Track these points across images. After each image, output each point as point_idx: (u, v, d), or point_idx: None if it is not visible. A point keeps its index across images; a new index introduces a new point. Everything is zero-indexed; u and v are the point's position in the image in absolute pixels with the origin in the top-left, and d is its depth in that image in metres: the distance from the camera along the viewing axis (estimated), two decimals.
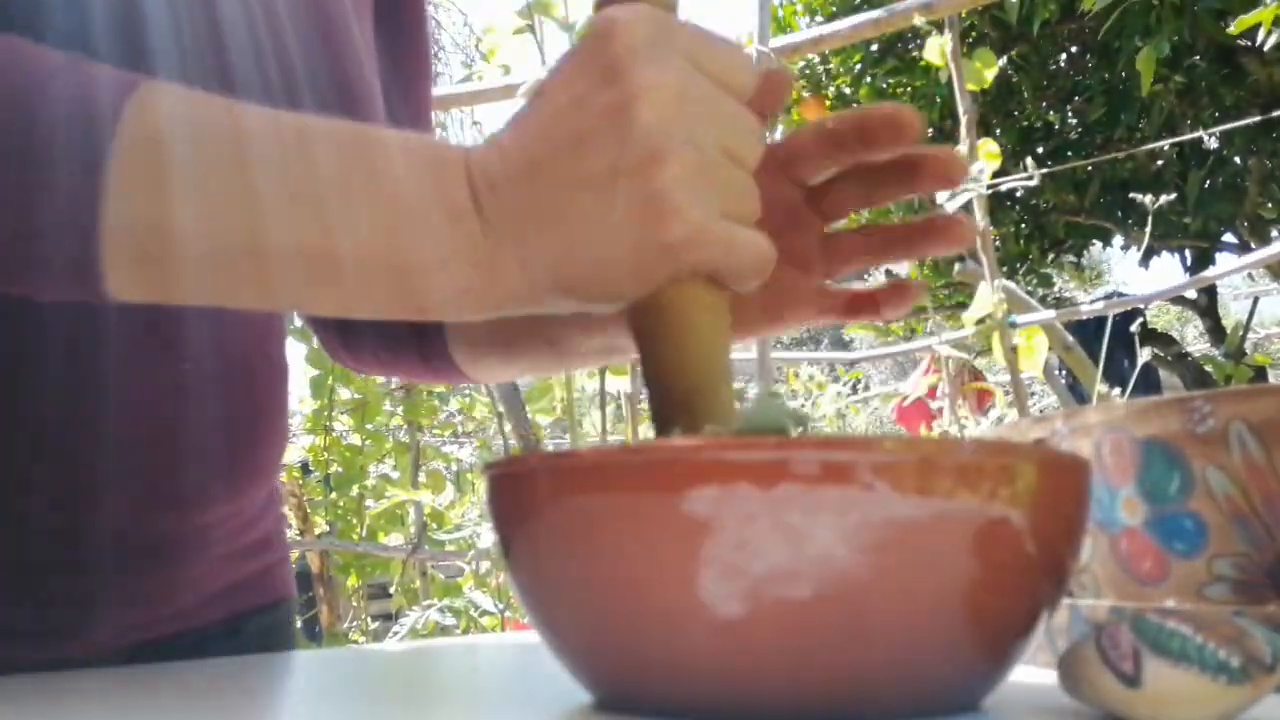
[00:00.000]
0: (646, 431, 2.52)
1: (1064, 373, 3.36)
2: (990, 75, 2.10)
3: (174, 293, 0.41)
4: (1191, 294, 6.54)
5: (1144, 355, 2.33)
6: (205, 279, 0.40)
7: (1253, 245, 6.09)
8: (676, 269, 0.40)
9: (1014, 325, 2.09)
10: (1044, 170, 2.62)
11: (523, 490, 0.35)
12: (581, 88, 0.40)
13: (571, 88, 0.40)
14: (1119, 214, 6.39)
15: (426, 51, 0.73)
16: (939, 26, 2.04)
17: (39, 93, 0.38)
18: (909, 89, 6.24)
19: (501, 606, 2.39)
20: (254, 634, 0.66)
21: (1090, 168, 5.95)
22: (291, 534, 2.95)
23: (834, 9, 6.08)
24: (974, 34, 5.80)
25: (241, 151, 0.39)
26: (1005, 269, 5.76)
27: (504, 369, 0.67)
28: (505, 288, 0.41)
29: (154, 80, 0.40)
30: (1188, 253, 6.60)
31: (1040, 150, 6.21)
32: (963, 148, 2.03)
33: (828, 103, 6.27)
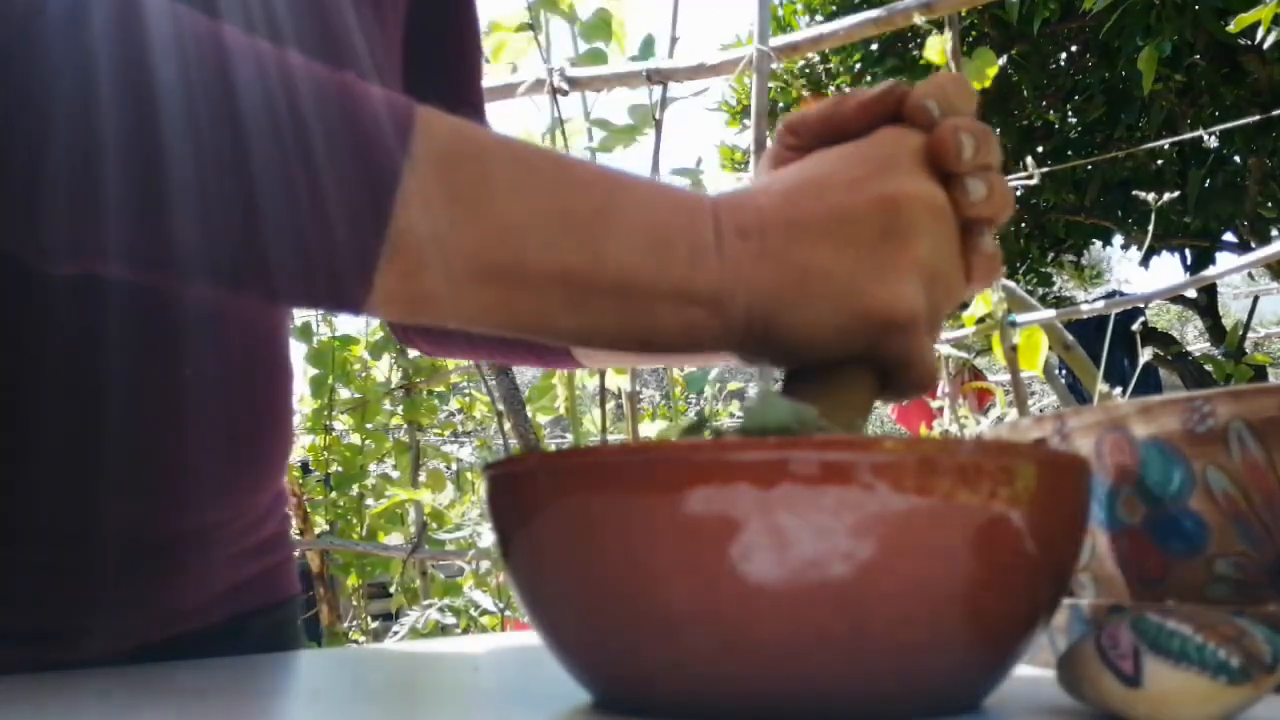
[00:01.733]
0: (646, 430, 2.52)
1: (1064, 373, 3.36)
2: (990, 75, 2.10)
3: (432, 310, 0.42)
4: (1191, 293, 6.54)
5: (1144, 355, 2.33)
6: (467, 297, 0.41)
7: (1253, 244, 6.09)
8: (870, 345, 0.43)
9: (1014, 325, 2.09)
10: (1044, 170, 2.61)
11: (523, 490, 0.35)
12: (861, 173, 0.44)
13: (849, 168, 0.45)
14: (1119, 213, 6.40)
15: (471, 39, 0.73)
16: (939, 26, 2.04)
17: (353, 92, 0.40)
18: None
19: (501, 606, 2.39)
20: (259, 634, 0.66)
21: (1090, 167, 5.95)
22: (291, 533, 2.95)
23: (834, 8, 6.08)
24: (974, 33, 5.80)
25: (522, 182, 0.41)
26: (1005, 268, 5.75)
27: (609, 359, 0.70)
28: (726, 330, 0.43)
29: (423, 107, 0.41)
30: (1188, 252, 6.60)
31: (1040, 150, 6.21)
32: None
33: None
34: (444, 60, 0.71)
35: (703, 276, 0.42)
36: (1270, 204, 6.27)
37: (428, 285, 0.40)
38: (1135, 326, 2.41)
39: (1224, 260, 6.14)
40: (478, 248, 0.40)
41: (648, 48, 2.11)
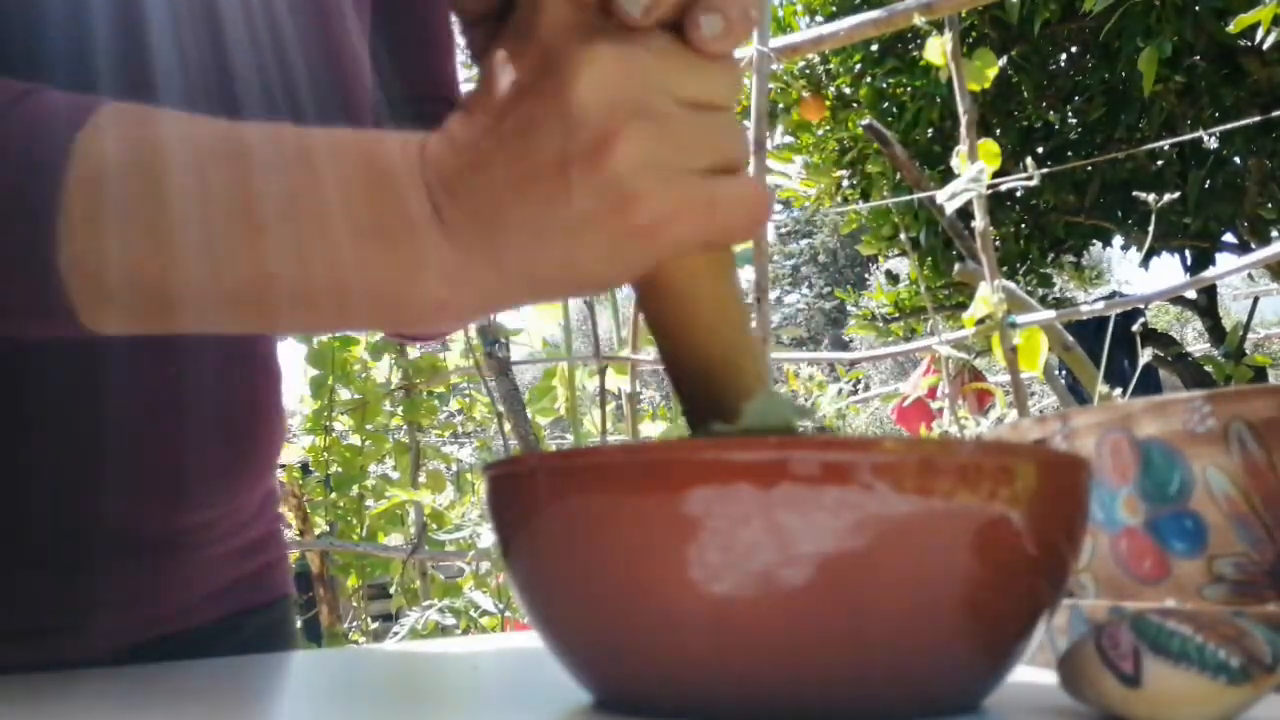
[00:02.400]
0: (646, 430, 2.52)
1: (1064, 373, 3.36)
2: (990, 75, 2.10)
3: (156, 325, 0.40)
4: (1191, 294, 6.54)
5: (1144, 355, 2.33)
6: (180, 314, 0.39)
7: (1253, 245, 6.09)
8: (657, 252, 0.37)
9: (1014, 325, 2.09)
10: (1044, 170, 2.62)
11: (523, 490, 0.35)
12: (522, 72, 0.37)
13: (512, 71, 0.37)
14: (1119, 214, 6.39)
15: (443, 23, 0.71)
16: (939, 26, 2.04)
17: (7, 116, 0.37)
18: (909, 89, 6.23)
19: (501, 606, 2.39)
20: (254, 633, 0.66)
21: (1090, 168, 5.95)
22: (291, 534, 2.95)
23: (834, 9, 6.08)
24: (974, 34, 5.80)
25: (171, 182, 0.38)
26: (1005, 269, 5.76)
27: None
28: (480, 295, 0.39)
29: (109, 105, 0.38)
30: (1188, 253, 6.60)
31: (1040, 150, 6.21)
32: (963, 148, 2.03)
33: (828, 103, 6.28)
34: (414, 40, 0.68)
35: (432, 254, 0.38)
36: (1270, 205, 6.27)
37: (131, 310, 0.39)
38: (1135, 327, 2.41)
39: (1224, 261, 6.13)
40: (162, 267, 0.37)
41: None
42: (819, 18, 6.20)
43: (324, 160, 0.39)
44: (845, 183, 6.75)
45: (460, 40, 0.44)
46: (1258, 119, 4.68)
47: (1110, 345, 2.24)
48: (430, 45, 0.70)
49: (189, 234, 0.38)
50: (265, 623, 0.68)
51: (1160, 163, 6.17)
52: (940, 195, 2.00)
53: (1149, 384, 5.47)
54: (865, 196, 6.56)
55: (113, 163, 0.38)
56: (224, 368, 0.61)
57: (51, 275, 0.37)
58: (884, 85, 6.34)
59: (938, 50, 2.05)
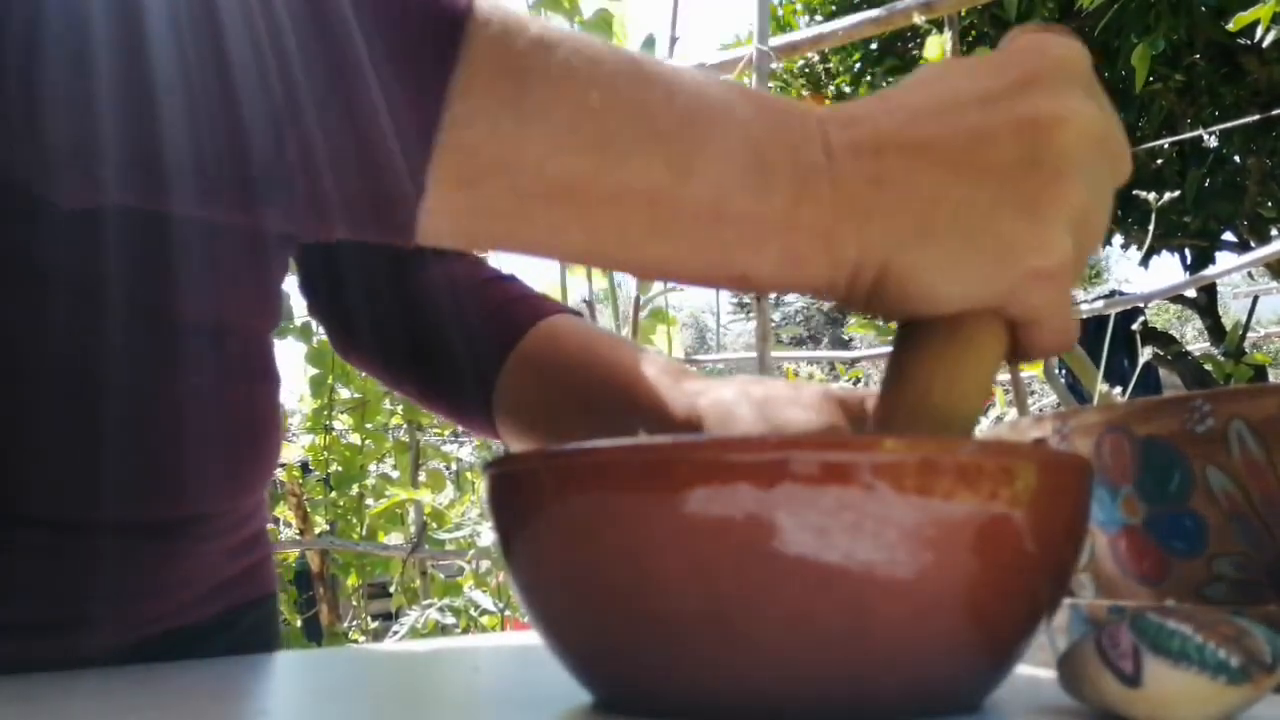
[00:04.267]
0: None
1: (1064, 373, 3.36)
2: None
3: (496, 229, 0.36)
4: (1191, 293, 6.54)
5: (1144, 354, 2.33)
6: (536, 213, 0.36)
7: (1253, 244, 6.10)
8: (1008, 297, 0.37)
9: None
10: None
11: (523, 490, 0.35)
12: (995, 87, 0.37)
13: (980, 83, 0.37)
14: (1119, 212, 6.40)
15: None
16: (938, 25, 2.04)
17: None
18: None
19: (501, 606, 2.39)
20: (247, 628, 0.67)
21: None
22: (291, 534, 2.95)
23: (833, 8, 6.08)
24: (974, 33, 5.80)
25: (595, 74, 0.35)
26: None
27: (534, 436, 0.66)
28: (835, 264, 0.37)
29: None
30: (1188, 252, 6.60)
31: None
32: None
33: (827, 102, 6.28)
34: None
35: (810, 203, 0.36)
36: (1270, 204, 6.27)
37: (489, 196, 0.35)
38: (1135, 326, 2.41)
39: (1224, 260, 6.14)
40: (546, 154, 0.35)
41: (648, 47, 2.11)
42: (819, 17, 6.20)
43: (721, 88, 0.37)
44: None
45: None
46: (1257, 118, 4.69)
47: (1110, 344, 2.24)
48: None
49: (580, 123, 0.35)
50: (258, 618, 0.69)
51: (1160, 161, 6.17)
52: None
53: (1149, 383, 5.47)
54: None
55: (509, 41, 0.35)
56: (233, 371, 0.61)
57: (425, 143, 0.34)
58: (883, 84, 6.34)
59: (937, 49, 2.05)
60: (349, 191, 0.35)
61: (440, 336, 0.69)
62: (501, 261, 0.82)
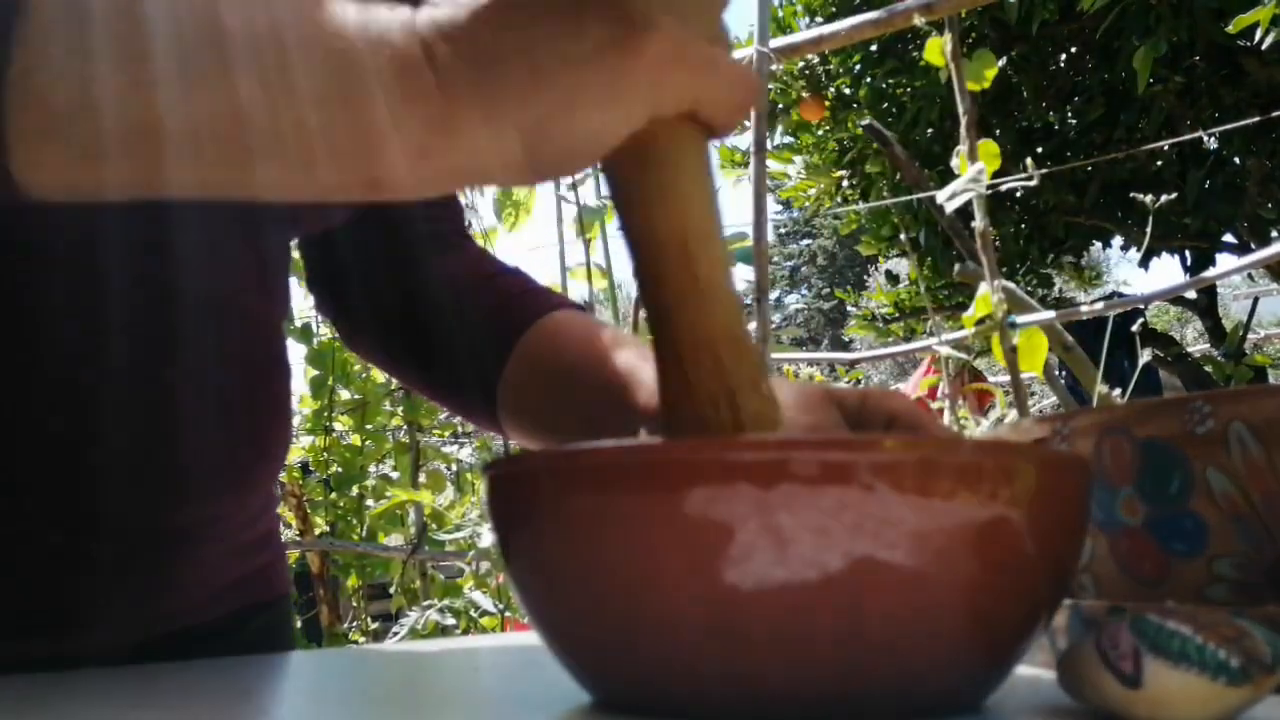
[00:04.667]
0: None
1: (1064, 373, 3.36)
2: (990, 75, 2.10)
3: (94, 172, 0.35)
4: (1191, 294, 6.54)
5: (1144, 356, 2.33)
6: (132, 152, 0.35)
7: (1253, 245, 6.10)
8: (657, 98, 0.37)
9: (1014, 325, 2.09)
10: (1044, 170, 2.62)
11: (523, 490, 0.35)
12: None
13: None
14: (1119, 214, 6.40)
15: None
16: (939, 27, 2.04)
17: None
18: (909, 89, 6.24)
19: (501, 606, 2.39)
20: (256, 631, 0.67)
21: (1090, 168, 5.95)
22: (291, 534, 2.95)
23: (834, 9, 6.08)
24: (974, 34, 5.80)
25: (167, 10, 0.35)
26: (1005, 269, 5.76)
27: (537, 432, 0.66)
28: (468, 148, 0.37)
29: None
30: (1188, 253, 6.60)
31: (1040, 150, 6.22)
32: (963, 148, 2.03)
33: (827, 103, 6.28)
34: None
35: (419, 97, 0.36)
36: (1270, 205, 6.27)
37: (78, 145, 0.34)
38: (1135, 328, 2.41)
39: (1224, 261, 6.13)
40: (123, 91, 0.34)
41: None
42: (819, 18, 6.20)
43: (304, 2, 0.37)
44: (845, 183, 6.75)
45: None
46: (1257, 119, 4.69)
47: (1110, 345, 2.24)
48: None
49: (156, 59, 0.34)
50: (267, 621, 0.68)
51: (1160, 163, 6.17)
52: (940, 195, 2.00)
53: (1149, 384, 5.47)
54: (865, 197, 6.56)
55: None
56: (239, 365, 0.61)
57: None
58: (884, 85, 6.35)
59: (937, 50, 2.05)
60: None
61: (444, 334, 0.68)
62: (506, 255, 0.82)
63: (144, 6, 0.35)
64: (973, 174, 1.95)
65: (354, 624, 2.96)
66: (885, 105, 6.35)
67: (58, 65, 0.34)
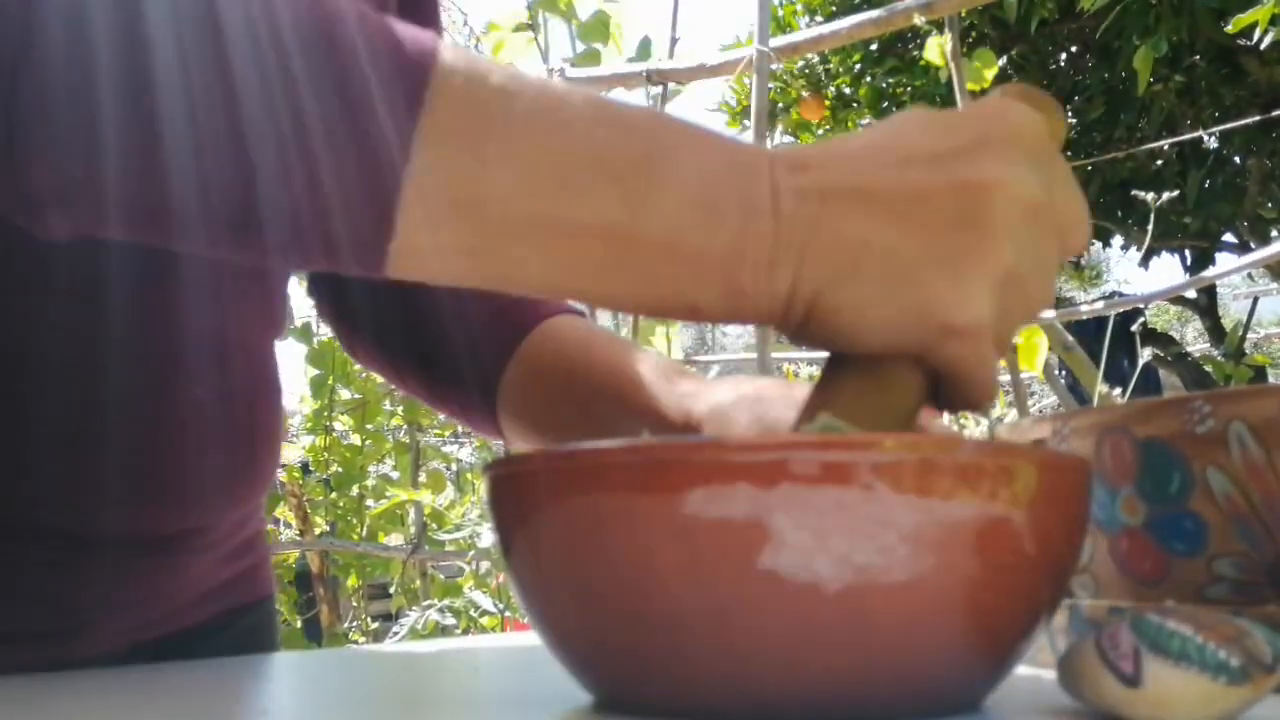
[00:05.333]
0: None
1: (1064, 373, 3.36)
2: (990, 75, 2.10)
3: (463, 264, 0.39)
4: (1191, 294, 6.54)
5: (1144, 355, 2.33)
6: (498, 249, 0.38)
7: (1253, 245, 6.09)
8: (928, 350, 0.39)
9: None
10: None
11: (523, 490, 0.35)
12: (943, 147, 0.39)
13: (934, 141, 0.39)
14: (1119, 214, 6.39)
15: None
16: (939, 26, 2.04)
17: (347, 38, 0.36)
18: (909, 89, 6.23)
19: (501, 606, 2.39)
20: (242, 631, 0.67)
21: (1090, 168, 5.95)
22: (291, 534, 2.95)
23: (834, 8, 6.08)
24: (974, 34, 5.80)
25: (555, 119, 0.38)
26: None
27: (537, 436, 0.67)
28: (773, 297, 0.39)
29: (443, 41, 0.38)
30: (1188, 253, 6.60)
31: None
32: None
33: (827, 103, 6.28)
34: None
35: (754, 242, 0.38)
36: (1270, 205, 6.27)
37: (455, 235, 0.37)
38: (1135, 327, 2.41)
39: (1224, 261, 6.13)
40: (507, 197, 0.37)
41: (645, 49, 2.11)
42: (819, 17, 6.20)
43: (677, 129, 0.40)
44: None
45: None
46: (1257, 119, 4.69)
47: (1110, 345, 2.24)
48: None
49: (539, 167, 0.37)
50: (252, 622, 0.69)
51: (1160, 162, 6.17)
52: None
53: (1149, 384, 5.47)
54: None
55: (474, 82, 0.37)
56: (235, 384, 0.61)
57: (393, 185, 0.36)
58: (884, 85, 6.34)
59: (937, 50, 2.05)
60: (326, 232, 0.37)
61: (444, 338, 0.68)
62: None
63: (539, 116, 0.38)
64: None
65: (354, 624, 2.96)
66: (885, 105, 6.34)
67: (451, 168, 0.37)
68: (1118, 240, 7.02)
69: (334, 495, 2.85)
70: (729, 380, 0.59)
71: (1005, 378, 2.37)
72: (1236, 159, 6.17)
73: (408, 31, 0.37)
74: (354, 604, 2.98)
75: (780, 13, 6.28)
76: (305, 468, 2.95)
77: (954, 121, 0.40)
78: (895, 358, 0.40)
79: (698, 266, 0.38)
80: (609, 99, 0.40)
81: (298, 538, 2.91)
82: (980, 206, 0.38)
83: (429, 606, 2.46)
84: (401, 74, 0.36)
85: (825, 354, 0.42)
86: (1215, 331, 6.78)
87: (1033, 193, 0.39)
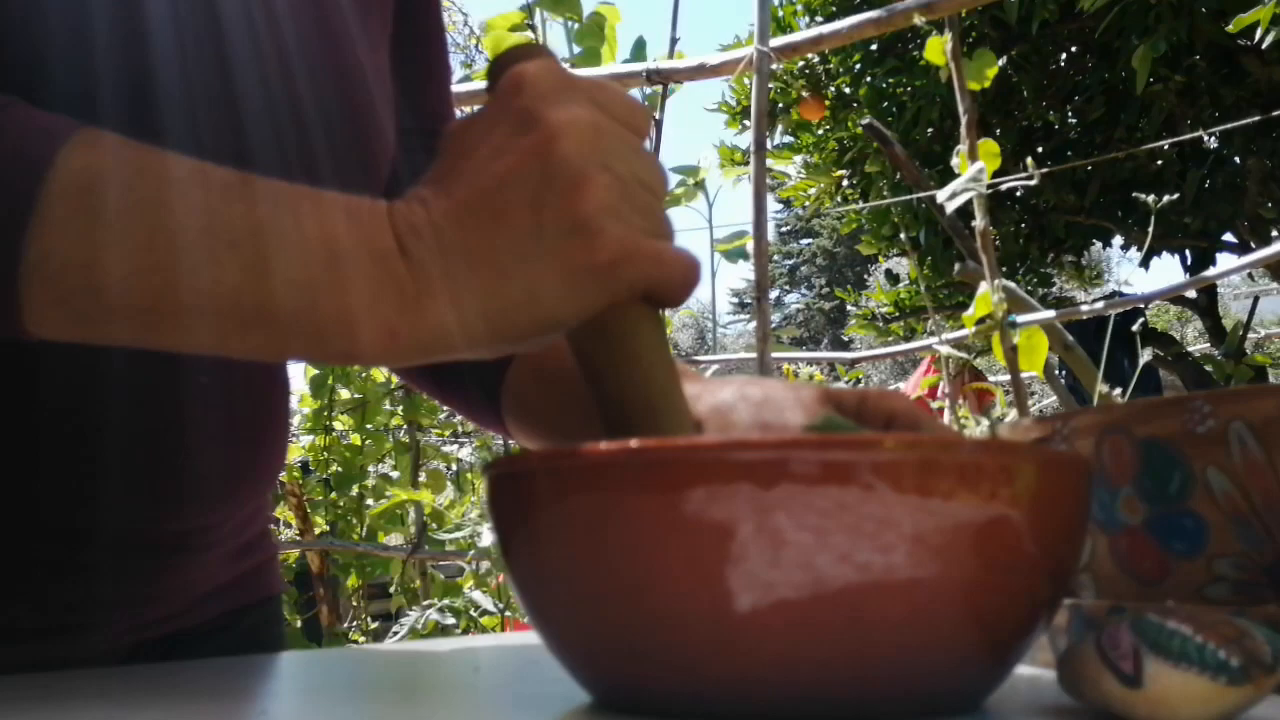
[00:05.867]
0: None
1: (1064, 373, 3.36)
2: (990, 75, 2.10)
3: (98, 334, 0.41)
4: (1191, 294, 6.54)
5: (1144, 355, 2.33)
6: (128, 323, 0.40)
7: (1253, 245, 6.09)
8: (612, 290, 0.41)
9: (1014, 325, 2.09)
10: (1044, 170, 2.61)
11: (523, 490, 0.35)
12: (499, 136, 0.42)
13: (490, 138, 0.42)
14: (1119, 214, 6.39)
15: (442, 53, 0.73)
16: (939, 26, 2.04)
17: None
18: (909, 89, 6.23)
19: (501, 606, 2.39)
20: (246, 631, 0.67)
21: (1090, 168, 5.95)
22: (291, 534, 2.95)
23: (834, 8, 6.08)
24: (974, 34, 5.80)
25: (170, 199, 0.40)
26: (1005, 269, 5.76)
27: (541, 433, 0.67)
28: (435, 329, 0.41)
29: (90, 128, 0.40)
30: (1188, 253, 6.60)
31: (1040, 150, 6.21)
32: (963, 147, 2.03)
33: (827, 103, 6.28)
34: (418, 73, 0.70)
35: (391, 283, 0.40)
36: (1270, 205, 6.27)
37: (83, 313, 0.39)
38: (1135, 327, 2.41)
39: (1224, 261, 6.13)
40: (125, 275, 0.39)
41: (639, 51, 2.11)
42: (819, 17, 6.20)
43: (299, 196, 0.42)
44: (845, 183, 6.75)
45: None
46: (1258, 119, 4.69)
47: (1110, 345, 2.24)
48: (437, 77, 0.72)
49: (158, 245, 0.39)
50: (257, 620, 0.69)
51: (1160, 162, 6.16)
52: (940, 195, 2.00)
53: (1149, 384, 5.47)
54: (865, 196, 6.56)
55: (95, 170, 0.39)
56: (241, 379, 0.61)
57: (14, 267, 0.38)
58: (884, 85, 6.34)
59: (938, 50, 2.05)
60: None
61: None
62: None
63: (150, 197, 0.40)
64: (973, 173, 1.95)
65: (354, 624, 2.96)
66: (885, 105, 6.34)
67: (67, 252, 0.39)
68: (1118, 240, 7.02)
69: (334, 495, 2.85)
70: (729, 380, 0.59)
71: (1005, 378, 2.37)
72: (1236, 159, 6.17)
73: (38, 126, 0.40)
74: (354, 604, 2.98)
75: (780, 13, 6.28)
76: (305, 468, 2.95)
77: (493, 110, 0.43)
78: (607, 312, 0.42)
79: (337, 319, 0.40)
80: (243, 175, 0.42)
81: (298, 538, 2.91)
82: (550, 159, 0.41)
83: (429, 606, 2.46)
84: (17, 165, 0.38)
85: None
86: (1215, 331, 6.78)
87: (583, 115, 0.42)
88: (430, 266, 0.41)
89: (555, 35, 2.09)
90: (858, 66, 6.40)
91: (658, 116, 1.97)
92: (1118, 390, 2.48)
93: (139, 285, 0.39)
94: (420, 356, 0.42)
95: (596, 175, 0.41)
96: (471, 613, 2.43)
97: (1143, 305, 2.70)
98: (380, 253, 0.41)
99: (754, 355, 1.93)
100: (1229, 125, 5.08)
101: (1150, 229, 2.41)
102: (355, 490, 2.84)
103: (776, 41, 2.07)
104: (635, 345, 0.43)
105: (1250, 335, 6.35)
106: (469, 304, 0.41)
